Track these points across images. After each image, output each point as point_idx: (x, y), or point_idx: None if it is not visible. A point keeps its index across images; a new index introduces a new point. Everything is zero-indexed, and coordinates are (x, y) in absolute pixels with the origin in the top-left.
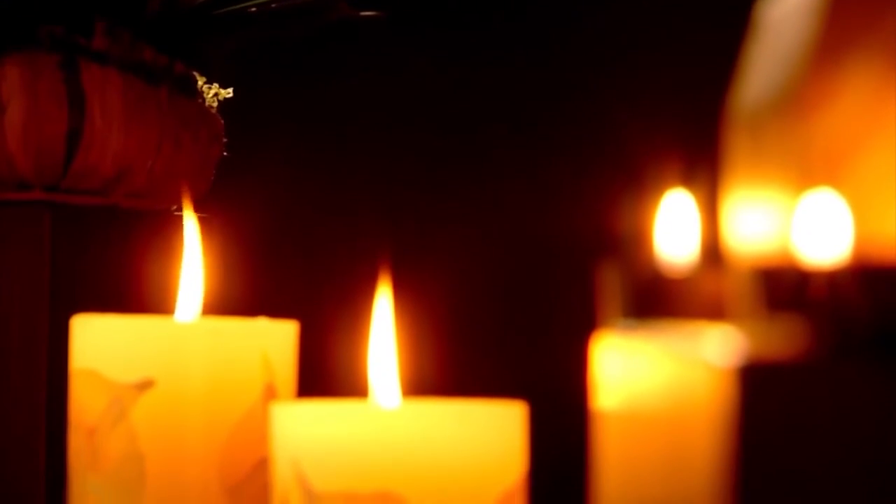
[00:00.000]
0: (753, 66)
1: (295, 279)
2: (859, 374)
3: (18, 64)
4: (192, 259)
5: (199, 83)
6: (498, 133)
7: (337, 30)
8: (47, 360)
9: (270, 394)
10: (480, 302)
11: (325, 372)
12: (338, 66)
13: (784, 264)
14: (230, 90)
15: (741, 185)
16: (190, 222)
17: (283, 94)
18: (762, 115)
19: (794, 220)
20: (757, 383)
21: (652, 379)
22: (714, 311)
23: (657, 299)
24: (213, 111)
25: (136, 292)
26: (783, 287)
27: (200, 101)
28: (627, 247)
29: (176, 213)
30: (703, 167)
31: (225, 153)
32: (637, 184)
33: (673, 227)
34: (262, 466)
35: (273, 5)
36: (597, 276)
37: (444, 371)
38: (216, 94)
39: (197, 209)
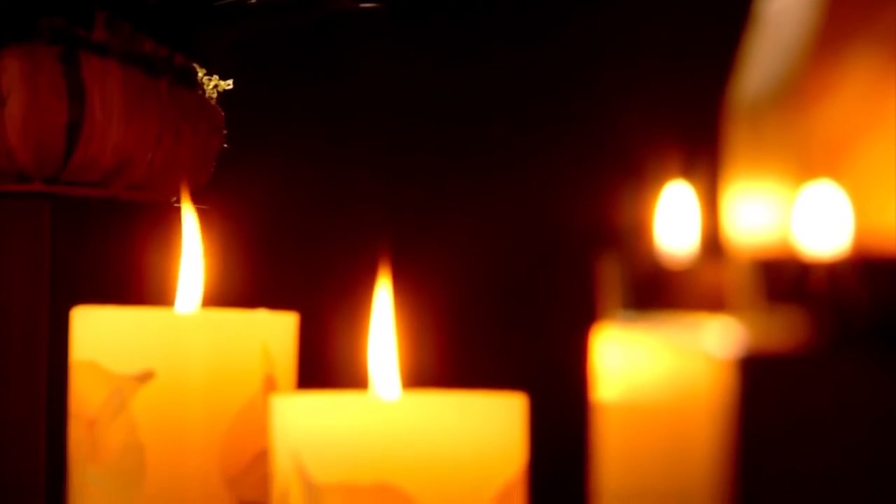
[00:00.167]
0: (753, 58)
1: (295, 271)
2: (859, 366)
3: (18, 56)
4: (192, 251)
5: (200, 75)
6: (498, 123)
7: (337, 21)
8: (47, 351)
9: (270, 385)
10: (480, 293)
11: (325, 364)
12: (338, 58)
13: (784, 256)
14: (230, 82)
15: (741, 176)
16: (190, 214)
17: (284, 86)
18: (762, 107)
19: (794, 212)
20: (757, 375)
21: (652, 370)
22: (714, 302)
23: (657, 291)
24: (214, 103)
25: (136, 284)
26: (783, 279)
27: (200, 92)
28: (628, 239)
29: (176, 204)
30: (703, 159)
31: (225, 145)
32: (637, 176)
33: (673, 219)
34: (261, 458)
35: None
36: (597, 268)
37: (444, 363)
38: (216, 86)
39: (197, 201)
